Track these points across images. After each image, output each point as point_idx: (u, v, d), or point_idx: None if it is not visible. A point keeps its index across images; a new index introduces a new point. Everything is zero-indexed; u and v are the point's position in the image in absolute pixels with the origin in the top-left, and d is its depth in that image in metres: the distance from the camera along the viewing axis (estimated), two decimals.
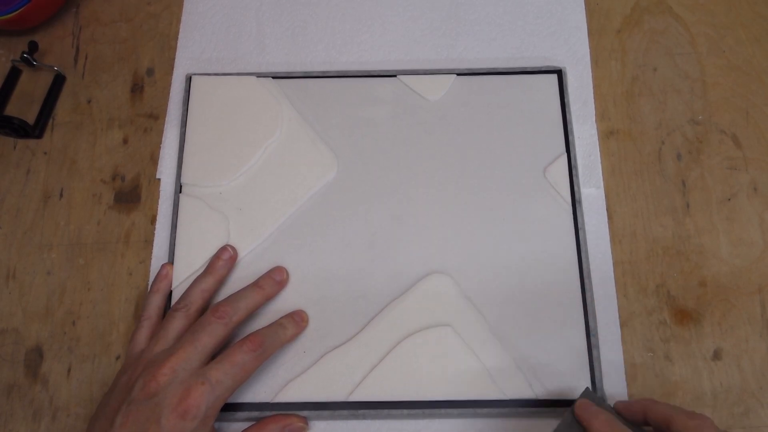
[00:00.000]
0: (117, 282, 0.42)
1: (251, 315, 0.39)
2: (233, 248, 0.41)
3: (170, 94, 0.47)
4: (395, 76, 0.46)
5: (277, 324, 0.38)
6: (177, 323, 0.37)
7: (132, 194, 0.44)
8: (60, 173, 0.45)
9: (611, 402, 0.38)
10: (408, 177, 0.43)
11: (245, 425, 0.38)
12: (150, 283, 0.42)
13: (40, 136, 0.46)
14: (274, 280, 0.40)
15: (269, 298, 0.40)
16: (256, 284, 0.39)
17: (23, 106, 0.47)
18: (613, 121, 0.46)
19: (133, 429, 0.32)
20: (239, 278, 0.41)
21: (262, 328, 0.37)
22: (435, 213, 0.42)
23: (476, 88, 0.45)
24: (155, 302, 0.39)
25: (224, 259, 0.40)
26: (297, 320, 0.39)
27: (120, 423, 0.32)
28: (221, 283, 0.40)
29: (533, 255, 0.41)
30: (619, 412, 0.35)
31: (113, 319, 0.41)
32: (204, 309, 0.39)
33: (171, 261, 0.41)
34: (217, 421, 0.38)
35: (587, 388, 0.36)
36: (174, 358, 0.34)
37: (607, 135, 0.45)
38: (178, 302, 0.38)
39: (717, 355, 0.40)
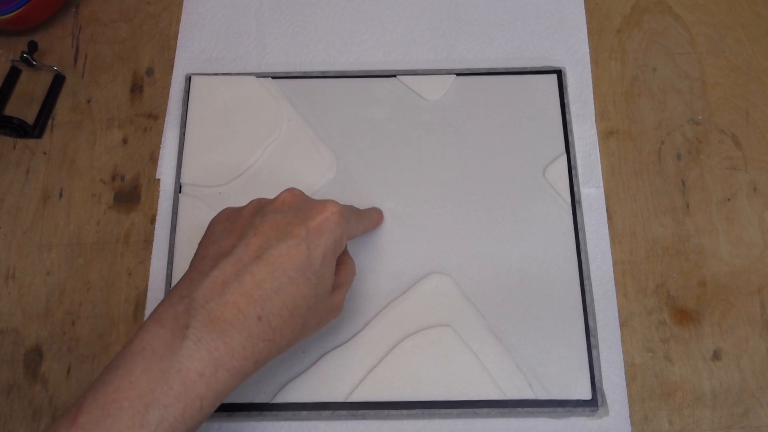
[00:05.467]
0: (117, 282, 0.42)
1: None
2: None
3: (170, 94, 0.47)
4: (395, 76, 0.46)
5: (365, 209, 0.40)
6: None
7: (132, 194, 0.44)
8: (60, 173, 0.45)
9: (610, 403, 0.38)
10: (408, 177, 0.43)
11: (244, 425, 0.38)
12: (150, 284, 0.42)
13: (39, 135, 0.46)
14: (381, 215, 0.42)
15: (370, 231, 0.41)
16: (375, 210, 0.41)
17: (23, 105, 0.47)
18: (612, 121, 0.46)
19: (272, 234, 0.31)
20: None
21: None
22: (435, 213, 0.42)
23: (476, 88, 0.45)
24: None
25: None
26: (380, 213, 0.41)
27: (254, 232, 0.31)
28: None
29: (533, 255, 0.41)
30: None
31: (113, 320, 0.41)
32: None
33: (171, 261, 0.41)
34: (215, 421, 0.38)
35: None
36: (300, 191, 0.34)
37: (606, 135, 0.45)
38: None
39: (717, 355, 0.40)
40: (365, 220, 0.38)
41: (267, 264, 0.30)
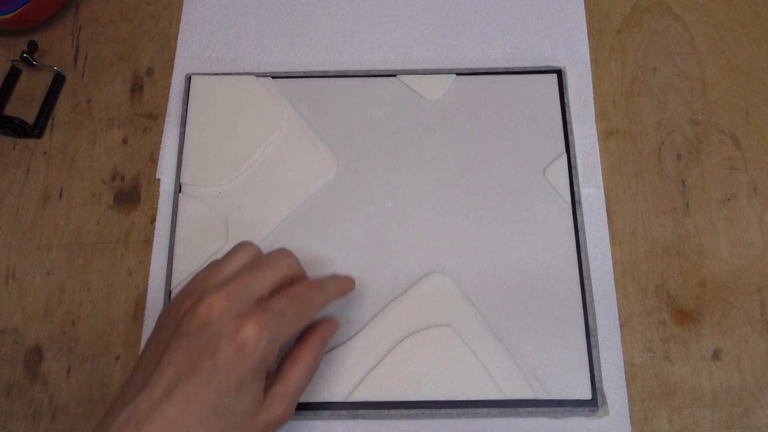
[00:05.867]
0: (116, 282, 0.42)
1: None
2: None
3: (170, 94, 0.47)
4: (395, 75, 0.46)
5: (331, 276, 0.36)
6: (241, 255, 0.33)
7: (132, 194, 0.44)
8: (59, 173, 0.45)
9: (610, 403, 0.38)
10: (408, 177, 0.43)
11: None
12: (150, 284, 0.42)
13: (39, 135, 0.46)
14: (349, 283, 0.38)
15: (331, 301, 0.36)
16: (339, 279, 0.37)
17: (23, 105, 0.47)
18: (612, 121, 0.46)
19: (183, 366, 0.28)
20: None
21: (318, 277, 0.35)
22: (435, 213, 0.42)
23: (476, 88, 0.45)
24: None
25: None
26: (349, 278, 0.37)
27: (168, 360, 0.29)
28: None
29: (533, 255, 0.41)
30: None
31: (113, 320, 0.41)
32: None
33: (171, 261, 0.41)
34: None
35: None
36: (231, 286, 0.30)
37: (606, 135, 0.45)
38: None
39: (717, 356, 0.40)
40: (318, 300, 0.33)
41: (176, 404, 0.28)
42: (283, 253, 0.34)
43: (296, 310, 0.31)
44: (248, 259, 0.33)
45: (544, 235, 0.42)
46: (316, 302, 0.33)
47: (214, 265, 0.33)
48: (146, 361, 0.30)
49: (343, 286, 0.37)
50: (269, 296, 0.31)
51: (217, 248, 0.41)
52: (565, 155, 0.43)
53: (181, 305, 0.31)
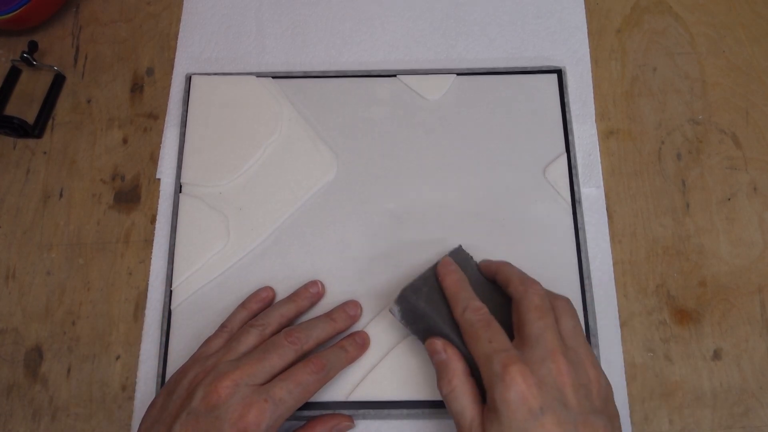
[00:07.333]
0: (117, 282, 0.42)
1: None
2: (323, 286, 0.40)
3: (170, 94, 0.47)
4: (395, 75, 0.46)
5: (339, 346, 0.37)
6: (250, 339, 0.36)
7: (132, 194, 0.44)
8: (60, 173, 0.45)
9: None
10: (408, 177, 0.43)
11: None
12: (150, 284, 0.42)
13: (39, 135, 0.46)
14: (348, 314, 0.39)
15: (340, 332, 0.38)
16: (329, 316, 0.38)
17: (23, 105, 0.47)
18: (612, 121, 0.46)
19: None
20: (239, 279, 0.41)
21: (325, 349, 0.37)
22: (435, 213, 0.42)
23: (476, 88, 0.45)
24: (240, 317, 0.38)
25: (311, 292, 0.40)
26: (359, 342, 0.38)
27: (178, 430, 0.32)
28: (301, 314, 0.39)
29: (533, 255, 0.41)
30: (480, 269, 0.38)
31: (113, 319, 0.41)
32: (277, 332, 0.37)
33: (171, 261, 0.41)
34: None
35: (459, 246, 0.38)
36: (239, 372, 0.33)
37: (606, 135, 0.45)
38: (255, 320, 0.37)
39: (717, 355, 0.40)
40: (320, 382, 0.35)
41: None
42: (293, 339, 0.35)
43: (297, 395, 0.33)
44: (258, 341, 0.36)
45: (544, 235, 0.41)
46: (317, 385, 0.35)
47: (227, 344, 0.36)
48: (159, 422, 0.33)
49: (351, 356, 0.38)
50: (275, 377, 0.34)
51: (218, 248, 0.41)
52: (565, 155, 0.43)
53: (195, 377, 0.34)
